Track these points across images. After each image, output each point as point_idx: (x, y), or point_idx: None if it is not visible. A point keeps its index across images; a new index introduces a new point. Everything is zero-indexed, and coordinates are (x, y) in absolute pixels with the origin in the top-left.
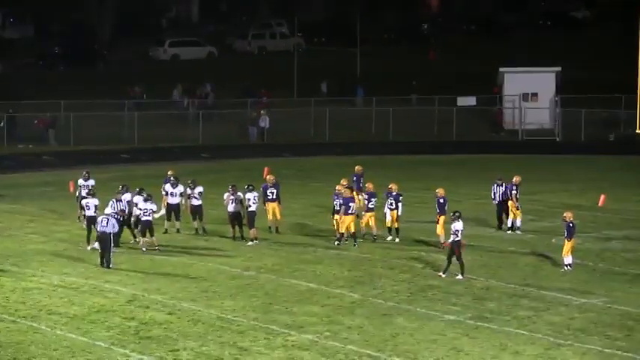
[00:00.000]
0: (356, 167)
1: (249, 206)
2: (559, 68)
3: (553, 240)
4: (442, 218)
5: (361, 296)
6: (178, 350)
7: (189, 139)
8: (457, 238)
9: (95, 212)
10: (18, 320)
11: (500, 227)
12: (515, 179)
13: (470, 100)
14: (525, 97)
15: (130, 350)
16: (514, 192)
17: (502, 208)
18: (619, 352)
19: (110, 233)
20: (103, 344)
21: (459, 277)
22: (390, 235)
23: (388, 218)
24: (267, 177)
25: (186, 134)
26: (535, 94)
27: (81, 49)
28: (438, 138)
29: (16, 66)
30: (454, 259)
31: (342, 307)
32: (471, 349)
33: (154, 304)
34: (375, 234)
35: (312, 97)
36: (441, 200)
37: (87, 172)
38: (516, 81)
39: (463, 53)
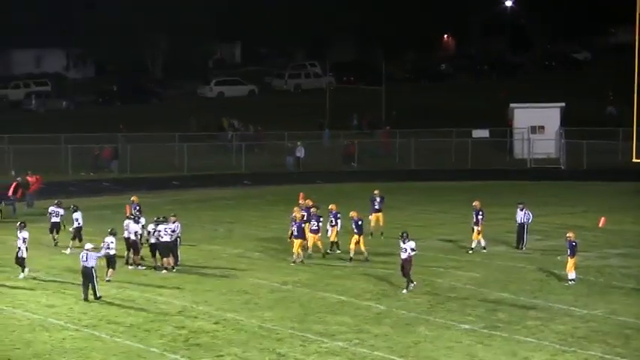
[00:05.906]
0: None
1: (161, 237)
2: (563, 104)
3: (558, 257)
4: (359, 237)
5: (386, 308)
6: (223, 356)
7: (234, 168)
8: (405, 256)
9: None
10: (81, 329)
11: (517, 246)
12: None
13: (483, 133)
14: (533, 129)
15: (180, 356)
16: (479, 217)
17: (522, 229)
18: (618, 358)
19: (92, 267)
20: (156, 350)
21: (404, 291)
22: (332, 249)
23: (330, 234)
24: (306, 201)
25: (230, 163)
26: (542, 127)
27: (136, 88)
28: (454, 166)
29: (78, 103)
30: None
31: (370, 318)
32: (485, 355)
33: (202, 315)
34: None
35: (343, 129)
36: (360, 222)
37: (58, 201)
38: (525, 115)
39: (476, 90)
